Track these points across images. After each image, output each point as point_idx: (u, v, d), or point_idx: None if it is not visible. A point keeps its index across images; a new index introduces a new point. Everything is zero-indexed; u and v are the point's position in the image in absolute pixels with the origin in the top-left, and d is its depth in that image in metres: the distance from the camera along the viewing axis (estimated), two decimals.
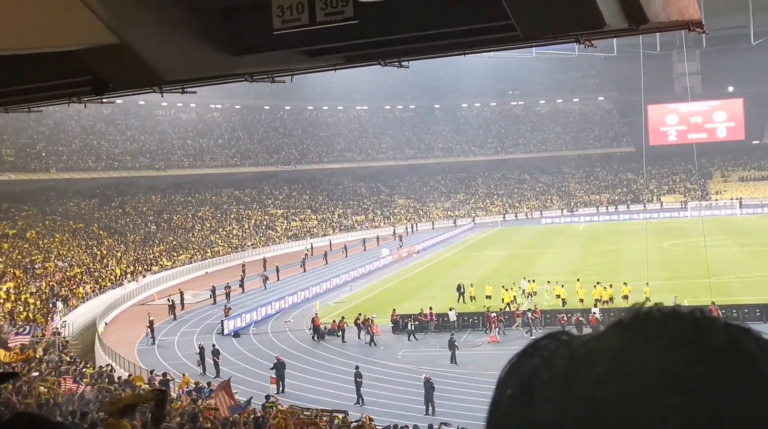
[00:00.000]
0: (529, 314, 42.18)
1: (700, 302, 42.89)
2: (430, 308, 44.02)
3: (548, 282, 49.11)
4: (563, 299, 46.07)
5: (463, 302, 49.10)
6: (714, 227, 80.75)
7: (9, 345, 35.56)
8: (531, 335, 40.65)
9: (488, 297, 48.00)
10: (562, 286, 47.25)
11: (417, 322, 43.15)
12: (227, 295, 54.02)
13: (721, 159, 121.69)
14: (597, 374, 0.90)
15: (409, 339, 42.20)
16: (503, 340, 40.35)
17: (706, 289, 46.96)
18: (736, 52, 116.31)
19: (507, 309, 45.23)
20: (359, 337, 42.45)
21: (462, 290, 50.35)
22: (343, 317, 43.87)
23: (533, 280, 49.50)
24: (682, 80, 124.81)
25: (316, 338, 42.82)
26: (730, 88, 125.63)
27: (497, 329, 41.45)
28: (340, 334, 42.50)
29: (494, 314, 42.44)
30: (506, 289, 47.49)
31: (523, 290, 48.88)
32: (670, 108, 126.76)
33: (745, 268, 55.51)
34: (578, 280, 48.27)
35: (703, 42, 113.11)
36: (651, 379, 0.88)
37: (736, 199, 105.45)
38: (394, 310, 44.51)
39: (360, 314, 43.82)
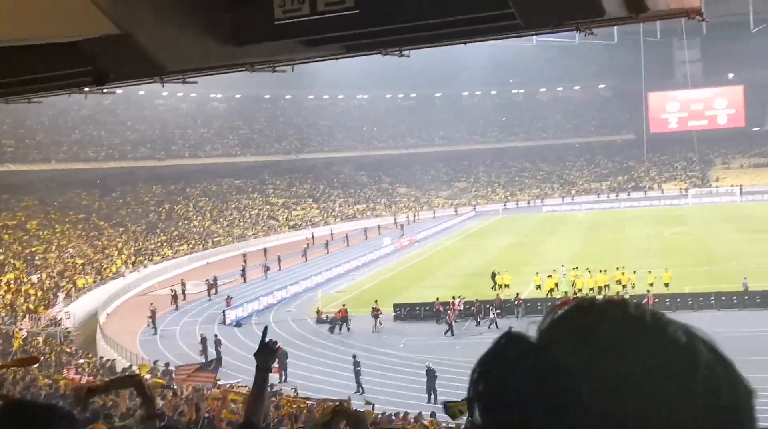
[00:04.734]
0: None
1: (700, 289, 42.91)
2: (453, 297, 42.88)
3: (588, 270, 47.36)
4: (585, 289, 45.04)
5: (495, 289, 47.55)
6: (715, 214, 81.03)
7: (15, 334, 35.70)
8: None
9: (505, 286, 47.25)
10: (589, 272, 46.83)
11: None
12: (208, 290, 53.50)
13: (721, 146, 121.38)
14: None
15: (489, 327, 40.33)
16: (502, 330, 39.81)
17: (705, 276, 47.07)
18: (736, 40, 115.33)
19: (549, 296, 43.51)
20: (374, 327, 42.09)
21: (494, 278, 49.11)
22: (343, 305, 43.77)
23: (576, 268, 48.02)
24: (683, 67, 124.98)
25: (341, 329, 42.07)
26: (731, 75, 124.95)
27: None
28: (342, 323, 42.48)
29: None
30: (548, 277, 46.22)
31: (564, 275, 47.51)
32: (671, 95, 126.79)
33: (746, 255, 55.12)
34: (586, 269, 47.80)
35: (703, 29, 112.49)
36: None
37: (737, 186, 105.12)
38: (437, 298, 43.45)
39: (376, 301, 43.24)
